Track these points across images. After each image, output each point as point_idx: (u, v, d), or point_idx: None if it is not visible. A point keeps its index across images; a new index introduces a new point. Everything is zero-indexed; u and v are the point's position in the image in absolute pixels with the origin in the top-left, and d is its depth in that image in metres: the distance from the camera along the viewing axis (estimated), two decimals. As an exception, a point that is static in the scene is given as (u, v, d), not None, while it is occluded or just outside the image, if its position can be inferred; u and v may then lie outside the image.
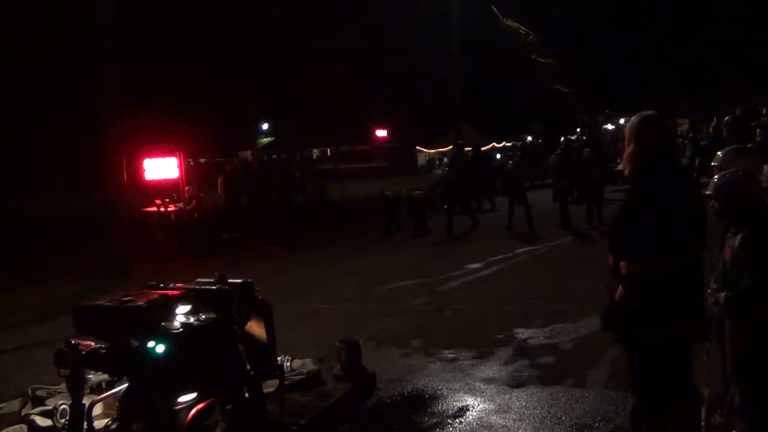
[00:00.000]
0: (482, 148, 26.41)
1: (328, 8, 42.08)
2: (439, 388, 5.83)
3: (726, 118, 8.17)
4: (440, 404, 5.48)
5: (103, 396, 3.85)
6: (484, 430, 4.94)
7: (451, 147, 29.81)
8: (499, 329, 7.46)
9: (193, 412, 3.44)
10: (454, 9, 27.54)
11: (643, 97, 32.01)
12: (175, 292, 3.80)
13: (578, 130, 35.27)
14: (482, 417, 5.17)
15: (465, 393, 5.69)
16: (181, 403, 3.56)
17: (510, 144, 43.14)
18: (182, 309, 3.70)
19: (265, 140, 54.32)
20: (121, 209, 13.45)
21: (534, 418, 5.06)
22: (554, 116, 39.06)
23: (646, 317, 3.42)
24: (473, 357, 6.62)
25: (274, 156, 27.35)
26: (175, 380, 3.51)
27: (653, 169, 3.49)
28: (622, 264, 3.42)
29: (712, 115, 18.59)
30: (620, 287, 3.45)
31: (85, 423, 3.53)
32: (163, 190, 15.58)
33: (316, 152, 51.14)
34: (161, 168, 15.64)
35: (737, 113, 8.51)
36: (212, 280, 4.08)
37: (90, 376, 4.02)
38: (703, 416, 3.79)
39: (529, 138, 45.44)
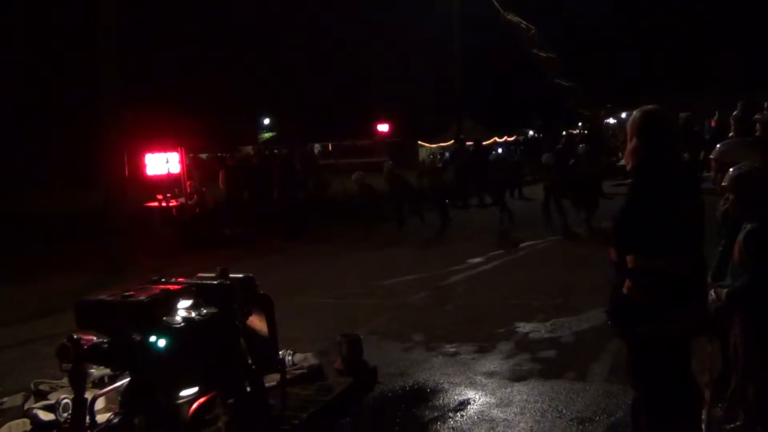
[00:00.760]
0: (483, 143, 26.41)
1: (329, 2, 42.02)
2: (441, 382, 5.85)
3: (735, 113, 8.18)
4: (441, 398, 5.49)
5: (105, 390, 3.86)
6: (485, 423, 4.95)
7: (452, 141, 29.83)
8: (500, 323, 7.47)
9: (194, 406, 3.45)
10: (456, 3, 27.49)
11: (645, 91, 31.90)
12: (176, 287, 3.80)
13: (580, 124, 35.25)
14: (483, 410, 5.18)
15: (466, 387, 5.70)
16: (182, 397, 3.57)
17: (512, 138, 43.14)
18: (184, 304, 3.71)
19: (267, 135, 54.28)
20: (122, 204, 13.46)
21: (535, 411, 5.08)
22: (555, 111, 39.00)
23: (652, 312, 3.43)
24: (474, 351, 6.63)
25: (276, 150, 27.30)
26: (176, 374, 3.52)
27: (655, 164, 3.49)
28: (629, 258, 3.42)
29: (713, 110, 18.58)
30: (627, 282, 3.45)
31: (88, 417, 3.54)
32: (165, 185, 15.59)
33: (317, 147, 51.12)
34: (163, 163, 15.65)
35: (741, 107, 8.50)
36: (214, 275, 4.09)
37: (92, 370, 4.02)
38: (703, 411, 3.80)
39: (531, 132, 45.41)
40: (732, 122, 7.99)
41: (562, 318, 7.49)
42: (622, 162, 4.83)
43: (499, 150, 34.04)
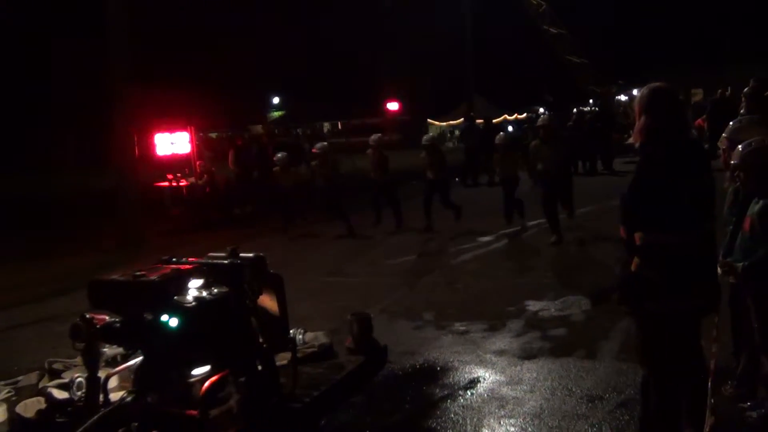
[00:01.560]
0: (494, 121, 26.23)
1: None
2: (451, 360, 5.88)
3: (746, 90, 8.07)
4: (451, 376, 5.53)
5: (118, 369, 3.88)
6: (495, 401, 4.98)
7: (462, 120, 29.67)
8: (510, 302, 7.48)
9: (207, 384, 3.47)
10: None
11: (656, 67, 31.57)
12: (187, 267, 3.81)
13: (590, 101, 34.99)
14: (493, 388, 5.21)
15: (476, 365, 5.73)
16: (195, 376, 3.59)
17: (523, 116, 42.88)
18: (195, 283, 3.71)
19: (277, 114, 54.22)
20: (133, 184, 13.53)
21: (545, 389, 5.10)
22: (566, 88, 38.69)
23: (661, 289, 3.42)
24: (484, 329, 6.65)
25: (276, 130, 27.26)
26: (188, 353, 3.54)
27: (663, 141, 3.46)
28: (637, 235, 3.41)
29: (726, 86, 18.38)
30: (636, 259, 3.45)
31: (101, 395, 3.58)
32: (175, 165, 15.64)
33: (327, 125, 51.05)
34: (173, 143, 15.70)
35: (753, 83, 8.40)
36: (224, 254, 4.10)
37: (105, 349, 4.05)
38: (710, 388, 3.80)
39: (541, 110, 45.11)
40: (743, 98, 7.90)
41: (572, 296, 7.49)
42: (631, 140, 4.78)
43: (509, 128, 33.83)
